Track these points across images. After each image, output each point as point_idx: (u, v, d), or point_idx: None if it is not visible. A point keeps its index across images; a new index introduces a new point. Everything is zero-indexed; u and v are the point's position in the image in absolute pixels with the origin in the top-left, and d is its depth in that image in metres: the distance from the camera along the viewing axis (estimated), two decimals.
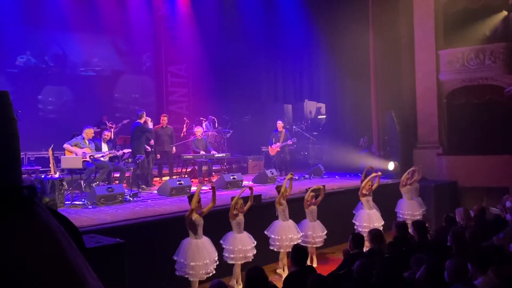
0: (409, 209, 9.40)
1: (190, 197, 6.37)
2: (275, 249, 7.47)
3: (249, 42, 15.45)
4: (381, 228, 7.68)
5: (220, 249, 6.68)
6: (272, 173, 11.08)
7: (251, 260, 6.70)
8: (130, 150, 9.85)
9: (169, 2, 15.40)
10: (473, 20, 12.51)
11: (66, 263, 0.66)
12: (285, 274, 7.21)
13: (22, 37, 12.76)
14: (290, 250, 7.23)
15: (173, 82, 16.21)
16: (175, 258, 6.18)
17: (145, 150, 10.08)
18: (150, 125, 10.32)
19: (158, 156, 10.87)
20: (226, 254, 6.72)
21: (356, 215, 8.75)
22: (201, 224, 6.22)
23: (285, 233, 7.39)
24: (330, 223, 8.30)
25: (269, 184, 10.58)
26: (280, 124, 12.71)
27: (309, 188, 9.35)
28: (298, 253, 5.11)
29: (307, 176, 12.06)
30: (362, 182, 8.84)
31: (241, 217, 6.82)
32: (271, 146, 12.61)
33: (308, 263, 7.78)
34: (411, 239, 6.44)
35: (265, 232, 7.35)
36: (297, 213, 8.02)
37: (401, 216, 9.33)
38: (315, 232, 7.89)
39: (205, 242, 6.25)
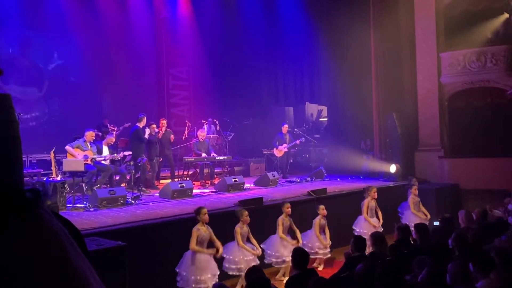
0: (415, 221, 9.33)
1: (198, 210, 6.32)
2: (271, 263, 7.32)
3: (250, 45, 15.49)
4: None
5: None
6: (274, 176, 11.07)
7: None
8: (130, 152, 9.87)
9: (170, 5, 15.43)
10: (474, 22, 12.52)
11: (70, 265, 0.66)
12: (284, 279, 7.21)
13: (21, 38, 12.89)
14: (284, 265, 7.20)
15: (174, 85, 16.23)
16: (177, 270, 6.15)
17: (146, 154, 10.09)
18: (151, 131, 10.23)
19: (161, 159, 10.95)
20: (227, 265, 6.60)
21: (356, 221, 8.71)
22: (207, 238, 6.22)
23: (281, 250, 7.24)
24: (332, 226, 8.28)
25: (270, 187, 10.58)
26: (285, 127, 12.75)
27: (310, 191, 9.37)
28: (299, 256, 5.09)
29: (308, 179, 12.05)
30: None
31: (245, 229, 6.81)
32: (277, 148, 12.58)
33: (316, 265, 7.84)
34: (413, 242, 6.43)
35: (262, 246, 7.16)
36: (299, 216, 8.01)
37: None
38: (322, 246, 7.83)
39: (208, 256, 6.21)
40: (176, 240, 6.51)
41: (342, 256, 7.29)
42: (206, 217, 6.27)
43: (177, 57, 16.06)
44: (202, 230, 6.17)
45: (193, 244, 6.10)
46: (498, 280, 4.01)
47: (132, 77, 14.60)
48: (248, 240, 6.87)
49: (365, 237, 6.50)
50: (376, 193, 8.64)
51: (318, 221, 7.86)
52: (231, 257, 6.60)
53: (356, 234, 8.30)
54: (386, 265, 4.41)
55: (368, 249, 6.39)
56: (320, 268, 7.90)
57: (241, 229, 6.72)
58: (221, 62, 15.72)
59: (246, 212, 6.82)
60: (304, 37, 15.38)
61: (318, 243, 7.80)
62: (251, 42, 15.50)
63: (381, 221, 8.64)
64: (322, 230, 7.92)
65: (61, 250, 0.67)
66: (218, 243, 6.34)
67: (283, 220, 7.38)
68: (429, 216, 9.41)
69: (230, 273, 6.63)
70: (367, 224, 8.43)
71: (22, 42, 12.92)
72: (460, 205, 11.07)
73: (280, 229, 7.31)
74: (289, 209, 7.45)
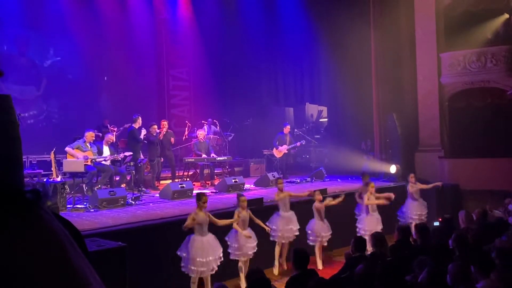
0: (418, 210, 9.56)
1: (199, 196, 6.48)
2: (275, 239, 7.76)
3: (250, 45, 15.50)
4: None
5: (225, 246, 6.79)
6: (274, 176, 11.06)
7: (251, 256, 6.96)
8: (131, 153, 9.87)
9: (170, 5, 15.44)
10: (474, 23, 12.52)
11: (70, 265, 0.67)
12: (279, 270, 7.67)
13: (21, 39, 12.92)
14: (288, 241, 7.75)
15: (175, 86, 16.24)
16: (178, 253, 6.28)
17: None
18: (152, 132, 10.29)
19: (162, 159, 10.97)
20: (231, 251, 6.89)
21: (359, 219, 8.77)
22: (205, 222, 6.31)
23: (286, 225, 7.77)
24: (332, 226, 8.30)
25: (271, 188, 10.57)
26: (288, 128, 12.78)
27: (311, 191, 9.38)
28: (299, 256, 5.09)
29: (308, 179, 12.05)
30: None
31: (245, 214, 6.91)
32: (276, 148, 12.57)
33: (317, 251, 8.03)
34: (414, 242, 6.43)
35: (267, 223, 7.55)
36: (299, 216, 8.04)
37: (404, 219, 9.43)
38: (324, 230, 8.16)
39: (210, 239, 6.35)
40: (176, 241, 6.51)
41: (342, 256, 7.30)
42: (206, 205, 6.42)
43: (177, 58, 16.06)
44: (199, 216, 6.27)
45: (186, 223, 6.18)
46: (498, 280, 4.01)
47: (132, 78, 14.59)
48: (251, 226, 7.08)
49: (366, 236, 6.52)
50: (374, 188, 8.73)
51: (317, 206, 8.22)
52: (235, 245, 6.85)
53: (358, 230, 8.57)
54: (387, 266, 4.41)
55: (369, 250, 6.40)
56: (320, 268, 7.94)
57: (239, 213, 6.87)
58: (221, 62, 15.72)
59: (243, 197, 7.05)
60: (304, 37, 15.38)
61: (321, 228, 8.13)
62: (251, 42, 15.50)
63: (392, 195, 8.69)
64: (320, 215, 8.23)
65: (61, 250, 0.67)
66: (220, 222, 6.60)
67: (279, 192, 8.03)
68: (439, 183, 10.04)
69: (231, 257, 6.89)
70: (369, 223, 8.48)
71: (20, 41, 12.92)
72: (460, 206, 11.06)
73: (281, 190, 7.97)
74: (282, 185, 8.18)
